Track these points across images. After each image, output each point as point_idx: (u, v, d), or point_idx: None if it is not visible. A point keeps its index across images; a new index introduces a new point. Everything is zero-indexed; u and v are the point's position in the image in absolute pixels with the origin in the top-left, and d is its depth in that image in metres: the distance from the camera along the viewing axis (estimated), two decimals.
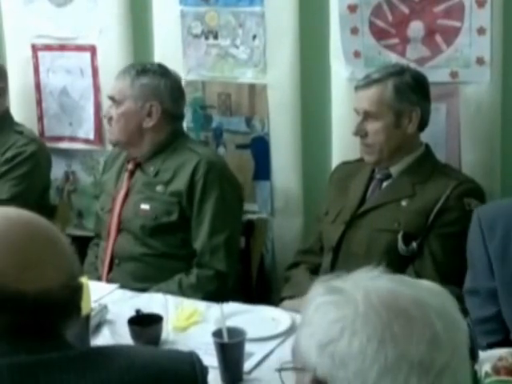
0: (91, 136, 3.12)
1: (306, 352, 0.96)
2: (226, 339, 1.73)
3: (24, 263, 1.10)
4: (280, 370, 1.04)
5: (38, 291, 1.09)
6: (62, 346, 1.13)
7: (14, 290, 1.07)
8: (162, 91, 2.54)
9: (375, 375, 0.90)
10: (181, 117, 2.65)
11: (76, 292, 1.15)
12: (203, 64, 2.86)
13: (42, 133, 3.18)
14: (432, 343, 0.91)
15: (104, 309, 2.04)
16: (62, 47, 3.09)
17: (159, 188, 2.50)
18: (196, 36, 2.86)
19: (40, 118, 3.20)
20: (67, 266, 1.14)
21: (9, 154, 2.86)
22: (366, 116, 2.32)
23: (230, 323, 1.80)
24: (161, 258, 2.50)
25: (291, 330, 1.97)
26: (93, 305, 1.96)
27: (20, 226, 1.14)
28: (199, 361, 1.20)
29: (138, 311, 1.94)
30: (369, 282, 0.97)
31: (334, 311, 0.95)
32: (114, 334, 1.97)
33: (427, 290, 0.97)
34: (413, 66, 2.45)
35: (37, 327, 1.10)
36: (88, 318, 1.81)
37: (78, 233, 3.06)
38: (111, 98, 2.58)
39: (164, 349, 1.75)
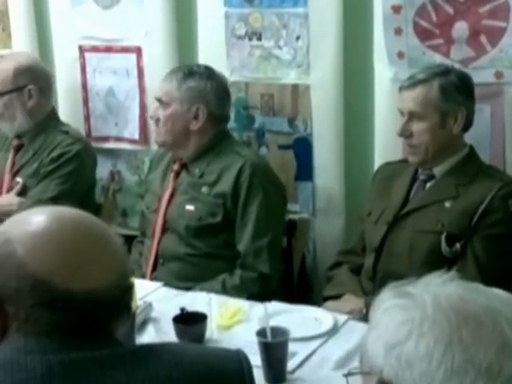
0: (136, 136, 3.16)
1: (373, 355, 0.96)
2: (269, 338, 1.74)
3: (74, 263, 1.10)
4: (347, 375, 1.04)
5: (87, 291, 1.09)
6: (112, 343, 1.14)
7: (63, 290, 1.08)
8: (208, 94, 2.56)
9: (441, 378, 0.90)
10: (226, 119, 2.67)
11: (126, 292, 1.16)
12: (247, 65, 2.88)
13: (88, 133, 3.24)
14: (502, 350, 0.90)
15: (149, 306, 2.07)
16: (109, 48, 3.14)
17: (204, 189, 2.53)
18: (240, 37, 2.88)
19: (86, 118, 3.25)
20: (118, 265, 1.15)
21: (55, 154, 2.90)
22: (411, 116, 2.31)
23: (273, 322, 1.81)
24: (204, 258, 2.52)
25: (334, 330, 1.98)
26: (138, 302, 1.99)
27: (71, 226, 1.15)
28: (246, 359, 1.20)
29: (182, 309, 1.96)
30: (439, 287, 0.97)
31: (401, 314, 0.95)
32: (158, 332, 2.00)
33: (499, 299, 0.97)
34: (457, 66, 2.44)
35: (87, 325, 1.11)
36: (133, 315, 1.84)
37: (122, 231, 3.10)
38: (158, 100, 2.61)
39: (211, 346, 1.76)
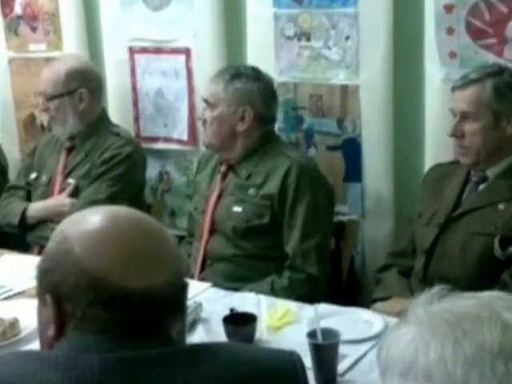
0: (185, 137, 3.18)
1: None
2: (320, 340, 1.73)
3: (130, 260, 1.11)
4: None
5: (143, 288, 1.10)
6: (167, 342, 1.14)
7: (120, 287, 1.09)
8: (254, 96, 2.56)
9: (461, 375, 0.89)
10: (273, 120, 2.67)
11: (181, 290, 1.16)
12: (295, 66, 2.87)
13: (137, 133, 3.27)
14: (506, 330, 0.90)
15: (199, 306, 2.08)
16: (158, 50, 3.16)
17: (251, 191, 2.53)
18: (289, 38, 2.87)
19: (136, 119, 3.28)
20: (173, 264, 1.15)
21: (106, 156, 2.93)
22: (463, 117, 2.28)
23: (323, 324, 1.80)
24: (252, 259, 2.52)
25: (384, 332, 1.96)
26: (188, 302, 1.99)
27: (127, 224, 1.16)
28: (300, 360, 1.20)
29: (232, 310, 1.96)
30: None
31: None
32: (208, 332, 2.00)
33: (487, 295, 0.97)
34: (510, 66, 2.39)
35: (142, 324, 1.11)
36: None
37: (171, 232, 3.11)
38: (205, 101, 2.62)
39: (264, 347, 1.76)
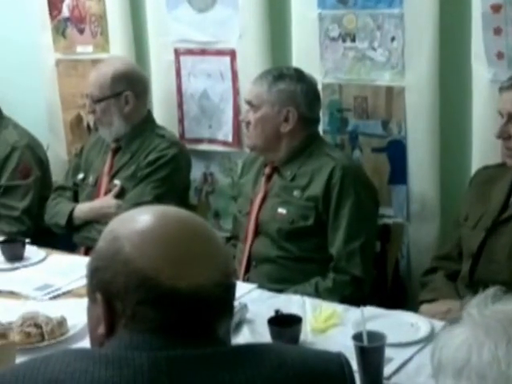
0: (229, 138, 3.19)
1: None
2: (366, 343, 1.73)
3: (180, 260, 1.12)
4: None
5: (192, 288, 1.10)
6: (216, 342, 1.15)
7: (169, 287, 1.09)
8: (298, 96, 2.56)
9: None
10: (317, 121, 2.66)
11: (230, 290, 1.17)
12: (340, 67, 2.86)
13: (182, 135, 3.29)
14: None
15: (244, 308, 2.08)
16: (203, 51, 3.18)
17: (296, 192, 2.53)
18: (333, 39, 2.86)
19: (181, 121, 3.30)
20: (222, 263, 1.16)
21: (151, 157, 2.96)
22: (510, 118, 2.25)
23: (369, 327, 1.79)
24: (296, 261, 2.52)
25: (431, 336, 1.94)
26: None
27: (177, 224, 1.16)
28: (347, 362, 1.19)
29: (277, 311, 1.96)
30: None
31: (454, 340, 0.96)
32: (253, 333, 2.01)
33: None
34: None
35: (191, 323, 1.12)
36: None
37: None
38: (249, 103, 2.62)
39: (311, 348, 1.76)
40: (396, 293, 2.75)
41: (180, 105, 3.29)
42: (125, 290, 1.10)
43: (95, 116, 3.04)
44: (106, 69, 3.02)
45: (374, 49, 2.78)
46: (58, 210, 3.08)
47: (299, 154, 2.58)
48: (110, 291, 1.12)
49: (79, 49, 3.52)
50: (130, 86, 2.99)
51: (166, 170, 2.95)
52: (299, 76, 2.60)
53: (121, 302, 1.11)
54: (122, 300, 1.11)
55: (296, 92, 2.56)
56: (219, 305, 1.15)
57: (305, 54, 2.91)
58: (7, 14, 3.72)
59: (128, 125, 3.01)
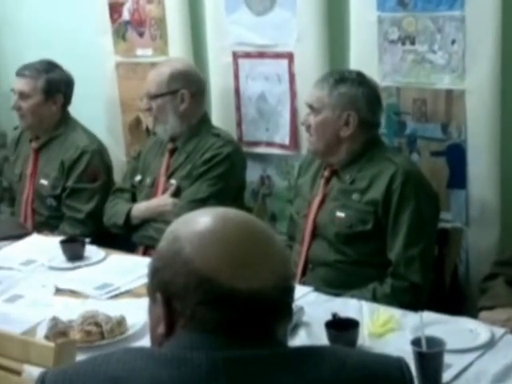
0: (287, 141, 3.19)
1: None
2: (424, 348, 1.71)
3: (239, 262, 1.12)
4: None
5: (251, 290, 1.11)
6: (274, 344, 1.15)
7: (228, 288, 1.10)
8: (359, 100, 2.54)
9: None
10: (377, 125, 2.65)
11: (289, 293, 1.17)
12: (399, 70, 2.84)
13: (240, 137, 3.30)
14: None
15: (300, 310, 2.08)
16: (261, 54, 3.19)
17: (355, 196, 2.51)
18: (392, 42, 2.84)
19: (239, 124, 3.31)
20: (281, 266, 1.16)
21: (206, 156, 2.98)
22: None
23: (427, 332, 1.77)
24: (354, 265, 2.51)
25: (491, 343, 1.92)
26: None
27: (236, 226, 1.17)
28: (407, 367, 1.18)
29: (334, 315, 1.96)
30: None
31: None
32: (310, 336, 2.01)
33: None
34: None
35: (250, 325, 1.12)
36: None
37: None
38: (309, 106, 2.61)
39: (371, 352, 1.75)
40: (454, 298, 2.71)
41: (238, 108, 3.30)
42: (184, 290, 1.11)
43: (151, 113, 3.07)
44: (164, 67, 3.07)
45: (433, 52, 2.75)
46: (116, 211, 3.13)
47: (359, 157, 2.56)
48: (169, 291, 1.13)
49: (139, 52, 3.56)
50: (186, 84, 3.03)
51: (221, 168, 2.97)
52: (361, 79, 2.58)
53: (180, 302, 1.12)
54: (181, 300, 1.12)
55: (357, 96, 2.54)
56: (278, 307, 1.15)
57: (363, 56, 2.89)
58: (70, 17, 3.79)
59: (183, 124, 3.04)
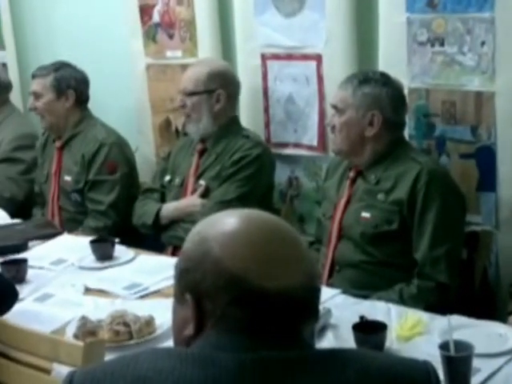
0: (315, 143, 3.19)
1: None
2: (453, 352, 1.70)
3: (267, 261, 1.13)
4: None
5: (280, 289, 1.11)
6: (301, 345, 1.15)
7: (257, 287, 1.11)
8: (383, 100, 2.54)
9: None
10: (402, 125, 2.64)
11: (316, 293, 1.18)
12: (428, 71, 2.83)
13: (268, 139, 3.30)
14: None
15: (328, 312, 2.08)
16: (290, 56, 3.19)
17: (380, 196, 2.51)
18: (421, 43, 2.83)
19: (267, 125, 3.32)
20: (308, 266, 1.17)
21: (235, 157, 3.00)
22: None
23: (456, 336, 1.76)
24: (380, 266, 2.50)
25: None
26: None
27: (263, 226, 1.18)
28: (434, 371, 1.18)
29: (361, 317, 1.96)
30: None
31: None
32: (337, 339, 2.01)
33: None
34: None
35: (277, 324, 1.13)
36: None
37: None
38: (334, 107, 2.62)
39: (397, 355, 1.75)
40: (484, 302, 2.69)
41: (266, 109, 3.31)
42: (214, 290, 1.12)
43: (185, 111, 3.08)
44: (202, 66, 3.09)
45: (463, 53, 2.74)
46: (145, 211, 3.16)
47: (384, 157, 2.56)
48: (199, 292, 1.14)
49: (169, 53, 3.59)
50: (223, 85, 3.06)
51: (250, 170, 2.99)
52: (385, 80, 2.58)
53: (210, 303, 1.13)
54: (211, 300, 1.13)
55: (381, 96, 2.54)
56: (305, 307, 1.15)
57: (392, 58, 2.88)
58: (101, 20, 3.82)
59: (215, 124, 3.06)
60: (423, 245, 2.43)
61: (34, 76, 3.45)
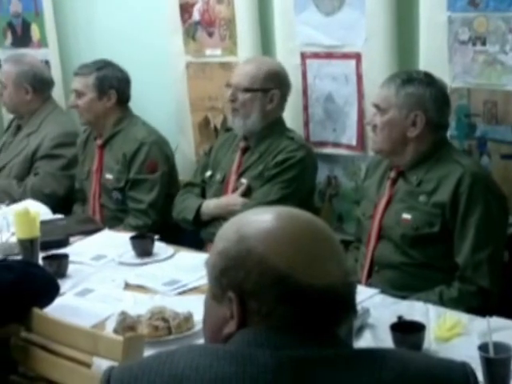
0: (354, 142, 3.18)
1: None
2: (492, 354, 1.69)
3: (311, 258, 1.14)
4: None
5: (323, 286, 1.12)
6: (338, 343, 1.16)
7: (303, 285, 1.12)
8: (427, 101, 2.52)
9: None
10: (445, 126, 2.61)
11: (354, 289, 1.19)
12: (469, 71, 2.80)
13: (307, 138, 3.30)
14: None
15: (366, 312, 2.08)
16: (329, 55, 3.18)
17: (422, 198, 2.49)
18: (463, 42, 2.80)
19: (306, 124, 3.31)
20: (343, 262, 1.18)
21: (279, 158, 3.00)
22: None
23: (495, 338, 1.75)
24: (420, 268, 2.48)
25: None
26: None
27: (302, 223, 1.19)
28: (473, 373, 1.18)
29: (400, 318, 1.95)
30: None
31: None
32: (375, 338, 2.00)
33: None
34: None
35: (317, 322, 1.14)
36: None
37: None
38: (376, 106, 2.60)
39: (435, 356, 1.74)
40: None
41: (305, 108, 3.31)
42: (259, 288, 1.13)
43: (234, 105, 3.06)
44: (260, 63, 3.09)
45: (505, 52, 2.71)
46: (185, 206, 3.18)
47: (426, 159, 2.54)
48: (243, 290, 1.14)
49: (208, 52, 3.60)
50: (278, 85, 3.06)
51: (293, 172, 2.98)
52: (429, 80, 2.56)
53: (255, 301, 1.13)
54: (256, 298, 1.13)
55: (425, 96, 2.52)
56: (346, 304, 1.16)
57: (433, 57, 2.86)
58: (141, 18, 3.85)
59: (263, 122, 3.05)
60: (465, 248, 2.40)
61: (76, 74, 3.49)
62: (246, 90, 3.04)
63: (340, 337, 1.16)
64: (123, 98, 3.47)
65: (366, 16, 3.02)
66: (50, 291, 2.21)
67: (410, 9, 2.94)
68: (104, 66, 3.46)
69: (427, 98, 2.52)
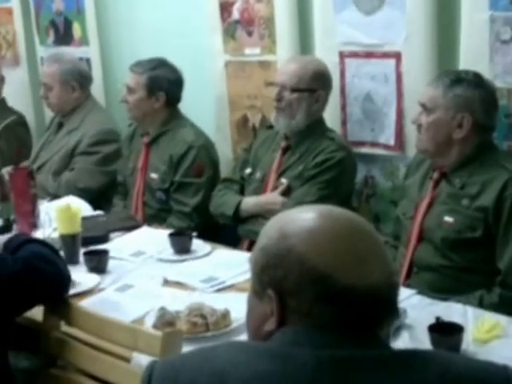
0: (392, 142, 3.16)
1: None
2: None
3: (353, 258, 1.13)
4: None
5: (366, 287, 1.12)
6: (379, 344, 1.15)
7: (344, 285, 1.11)
8: (474, 103, 2.48)
9: None
10: (492, 129, 2.57)
11: (396, 291, 1.18)
12: (510, 71, 2.77)
13: (344, 137, 3.28)
14: None
15: (404, 313, 2.08)
16: (368, 54, 3.17)
17: (465, 201, 2.46)
18: (504, 42, 2.78)
19: (343, 123, 3.31)
20: (388, 264, 1.18)
21: (319, 159, 3.00)
22: None
23: None
24: (460, 271, 2.46)
25: None
26: None
27: (344, 223, 1.18)
28: None
29: (438, 319, 1.95)
30: None
31: None
32: (412, 339, 2.00)
33: None
34: None
35: (359, 322, 1.13)
36: None
37: None
38: (422, 105, 2.57)
39: (475, 359, 1.73)
40: None
41: (343, 107, 3.30)
42: (299, 287, 1.13)
43: (279, 104, 3.07)
44: (305, 63, 3.09)
45: None
46: (224, 201, 3.19)
47: (471, 161, 2.50)
48: (282, 288, 1.14)
49: (247, 51, 3.61)
50: (324, 86, 3.08)
51: (333, 173, 2.98)
52: (478, 81, 2.52)
53: (295, 299, 1.13)
54: (296, 297, 1.13)
55: (473, 98, 2.48)
56: (388, 305, 1.16)
57: (473, 56, 2.83)
58: (181, 16, 3.88)
59: (306, 122, 3.05)
60: (507, 254, 2.37)
61: (130, 69, 3.51)
62: (293, 89, 3.03)
63: (381, 338, 1.16)
64: (172, 99, 3.49)
65: (405, 14, 3.00)
66: (55, 286, 2.15)
67: (450, 7, 2.92)
68: (158, 65, 3.48)
69: (475, 100, 2.48)
